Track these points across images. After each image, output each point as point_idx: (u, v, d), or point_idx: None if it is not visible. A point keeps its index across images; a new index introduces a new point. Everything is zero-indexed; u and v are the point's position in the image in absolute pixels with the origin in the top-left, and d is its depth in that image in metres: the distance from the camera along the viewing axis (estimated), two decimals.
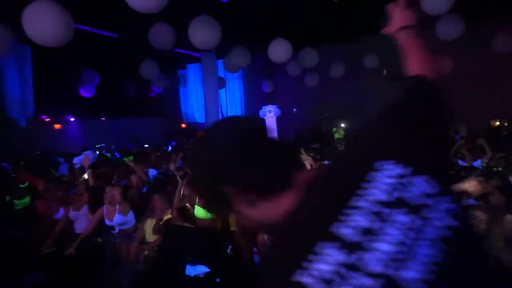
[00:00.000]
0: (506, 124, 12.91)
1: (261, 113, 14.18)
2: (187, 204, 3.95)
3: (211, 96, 11.47)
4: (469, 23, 8.66)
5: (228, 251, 3.07)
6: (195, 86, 15.46)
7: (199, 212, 3.82)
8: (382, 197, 0.78)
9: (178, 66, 15.55)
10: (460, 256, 0.74)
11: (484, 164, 5.60)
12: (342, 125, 15.21)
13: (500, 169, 5.02)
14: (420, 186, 0.80)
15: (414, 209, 0.77)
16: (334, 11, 9.17)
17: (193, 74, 15.81)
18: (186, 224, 3.23)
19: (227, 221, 3.97)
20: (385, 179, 0.80)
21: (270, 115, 13.82)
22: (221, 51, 10.72)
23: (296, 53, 11.08)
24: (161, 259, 2.93)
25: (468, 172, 4.75)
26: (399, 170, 0.81)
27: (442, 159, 0.93)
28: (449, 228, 0.76)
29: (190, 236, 2.98)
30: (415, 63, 1.24)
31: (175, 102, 17.06)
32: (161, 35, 7.72)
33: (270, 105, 14.29)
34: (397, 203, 0.77)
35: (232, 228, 3.69)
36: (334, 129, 15.04)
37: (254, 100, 16.53)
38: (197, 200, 4.06)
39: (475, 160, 5.91)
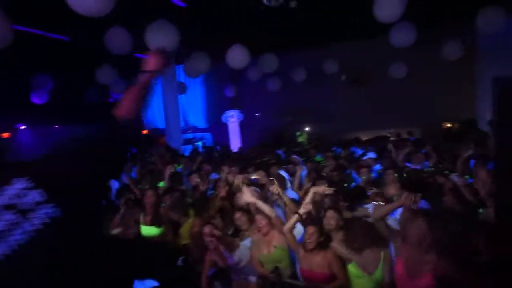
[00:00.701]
0: (456, 126, 13.60)
1: (223, 118, 14.08)
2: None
3: (171, 101, 11.26)
4: (421, 31, 9.06)
5: (180, 263, 2.95)
6: (156, 92, 15.12)
7: (147, 230, 3.69)
8: (2, 202, 1.22)
9: (137, 71, 15.13)
10: (40, 240, 1.19)
11: (431, 166, 5.82)
12: (306, 128, 15.42)
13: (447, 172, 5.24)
14: (33, 196, 1.23)
15: (21, 211, 1.21)
16: (294, 18, 9.28)
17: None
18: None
19: (177, 233, 3.87)
20: (11, 190, 1.23)
21: (232, 120, 13.76)
22: (181, 56, 10.56)
23: (257, 58, 11.13)
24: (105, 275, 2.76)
25: (415, 174, 4.93)
26: (23, 185, 1.25)
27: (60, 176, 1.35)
28: (42, 224, 1.21)
29: (137, 250, 2.83)
30: (129, 104, 1.59)
31: None
32: (117, 39, 7.47)
33: (233, 110, 14.24)
34: (9, 206, 1.21)
35: (184, 241, 3.58)
36: (298, 133, 15.21)
37: (217, 105, 16.41)
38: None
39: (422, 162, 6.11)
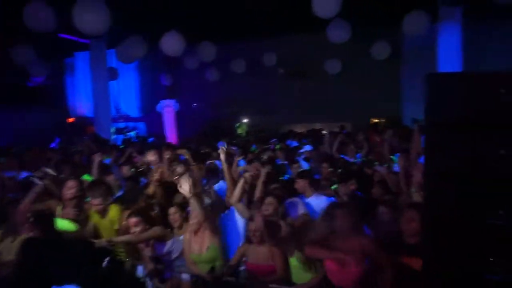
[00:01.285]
0: (383, 121, 14.54)
1: (158, 107, 13.50)
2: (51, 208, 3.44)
3: (100, 87, 10.49)
4: (355, 29, 9.46)
5: (105, 264, 2.71)
6: (84, 77, 14.03)
7: (63, 224, 3.35)
8: None
9: (64, 53, 13.91)
10: None
11: (364, 158, 6.12)
12: (244, 120, 15.40)
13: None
14: None
15: None
16: (232, 8, 9.12)
17: (81, 63, 14.32)
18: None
19: (99, 231, 3.56)
20: None
21: (168, 109, 13.24)
22: (114, 39, 9.86)
23: (195, 46, 10.80)
24: (19, 281, 2.43)
25: (348, 166, 5.12)
26: None
27: None
28: None
29: (55, 251, 2.53)
30: None
31: (61, 93, 15.22)
32: (37, 16, 6.72)
33: (168, 100, 13.70)
34: None
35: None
36: (237, 125, 15.15)
37: (152, 93, 15.72)
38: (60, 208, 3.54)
39: (356, 154, 6.42)
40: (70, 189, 3.61)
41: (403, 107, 12.90)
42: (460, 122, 1.65)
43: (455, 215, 1.77)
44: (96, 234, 3.68)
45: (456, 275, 1.74)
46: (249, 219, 3.21)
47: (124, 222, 3.51)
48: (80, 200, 3.68)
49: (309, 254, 2.73)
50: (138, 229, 3.26)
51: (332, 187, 4.48)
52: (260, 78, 14.27)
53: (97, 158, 4.94)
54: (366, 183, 4.35)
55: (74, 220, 3.54)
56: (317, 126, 12.94)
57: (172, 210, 3.54)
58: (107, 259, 2.71)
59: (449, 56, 9.34)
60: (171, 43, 8.23)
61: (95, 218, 3.72)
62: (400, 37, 11.89)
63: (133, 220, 3.26)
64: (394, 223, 3.01)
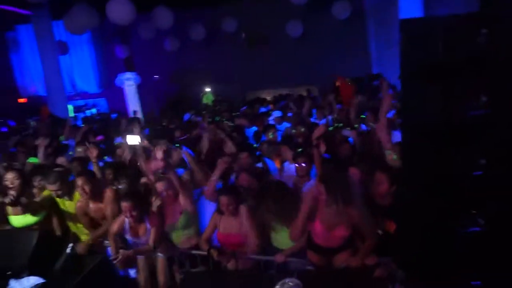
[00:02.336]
0: (349, 82, 14.58)
1: (117, 81, 12.80)
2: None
3: (50, 63, 9.69)
4: None
5: (68, 250, 2.50)
6: (32, 52, 12.98)
7: (19, 220, 3.09)
8: None
9: (3, 27, 12.72)
10: None
11: (334, 118, 6.06)
12: (207, 89, 14.93)
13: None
14: None
15: None
16: None
17: (26, 38, 13.21)
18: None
19: (63, 218, 3.32)
20: None
21: (129, 83, 12.57)
22: (59, 9, 9.04)
23: (149, 13, 10.13)
24: None
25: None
26: None
27: None
28: None
29: (11, 242, 2.31)
30: None
31: (7, 72, 14.05)
32: None
33: (128, 72, 12.98)
34: None
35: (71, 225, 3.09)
36: (202, 94, 14.70)
37: (109, 67, 14.86)
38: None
39: (324, 117, 6.36)
40: (12, 180, 3.27)
41: (371, 66, 12.88)
42: (435, 70, 1.53)
43: (431, 169, 1.69)
44: (61, 220, 3.45)
45: (428, 231, 1.70)
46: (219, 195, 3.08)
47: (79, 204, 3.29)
48: (25, 189, 3.36)
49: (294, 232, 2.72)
50: (134, 213, 3.01)
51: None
52: (221, 45, 13.80)
53: (41, 143, 4.53)
54: (334, 146, 4.31)
55: (27, 212, 3.27)
56: (284, 91, 12.78)
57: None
58: (70, 246, 2.52)
59: (411, 8, 9.23)
60: (118, 11, 7.52)
61: (61, 204, 3.47)
62: None
63: (126, 204, 3.01)
64: (365, 185, 2.99)
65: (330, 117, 5.94)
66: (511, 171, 1.52)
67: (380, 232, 2.62)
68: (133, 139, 3.70)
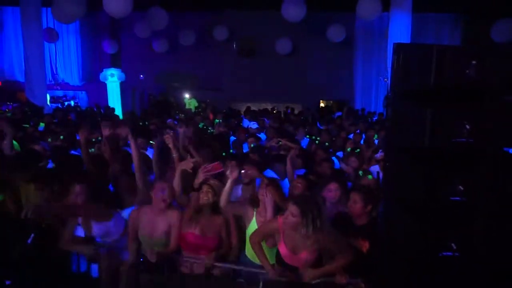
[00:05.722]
0: (330, 105, 14.86)
1: (101, 76, 12.58)
2: None
3: (33, 49, 9.40)
4: (310, 10, 9.38)
5: (29, 241, 2.37)
6: (16, 36, 12.59)
7: None
8: None
9: None
10: None
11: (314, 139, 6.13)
12: (187, 95, 14.82)
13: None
14: None
15: None
16: None
17: (11, 20, 12.83)
18: None
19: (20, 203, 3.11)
20: None
21: (112, 79, 12.37)
22: None
23: (144, 12, 10.07)
24: None
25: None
26: None
27: None
28: None
29: None
30: None
31: None
32: None
33: (113, 68, 12.79)
34: None
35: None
36: (186, 99, 14.61)
37: (95, 61, 14.61)
38: None
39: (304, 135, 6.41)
40: None
41: (354, 91, 13.18)
42: (425, 94, 1.58)
43: (413, 192, 1.72)
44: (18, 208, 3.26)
45: (410, 253, 1.71)
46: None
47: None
48: None
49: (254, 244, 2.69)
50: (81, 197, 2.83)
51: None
52: (210, 53, 13.85)
53: (8, 132, 4.26)
54: (311, 162, 4.34)
55: None
56: (267, 105, 12.84)
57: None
58: (31, 235, 2.38)
59: (400, 41, 9.61)
60: (116, 3, 7.46)
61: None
62: (353, 23, 12.09)
63: (77, 187, 2.82)
64: (342, 204, 3.00)
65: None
66: (489, 200, 1.56)
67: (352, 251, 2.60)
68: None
